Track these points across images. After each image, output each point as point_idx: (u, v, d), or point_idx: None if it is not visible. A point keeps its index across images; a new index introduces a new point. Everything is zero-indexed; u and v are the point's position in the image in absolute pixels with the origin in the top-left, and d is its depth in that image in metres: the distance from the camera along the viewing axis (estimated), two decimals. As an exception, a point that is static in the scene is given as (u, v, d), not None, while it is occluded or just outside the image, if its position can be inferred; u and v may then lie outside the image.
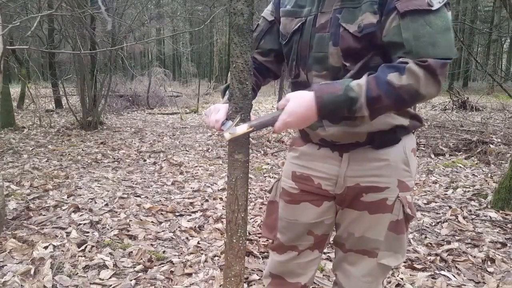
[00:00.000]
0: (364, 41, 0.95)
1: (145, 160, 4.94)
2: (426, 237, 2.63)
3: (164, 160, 4.92)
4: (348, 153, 1.07)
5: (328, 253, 2.35)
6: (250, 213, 3.06)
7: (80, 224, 2.72)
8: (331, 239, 1.26)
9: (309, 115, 0.91)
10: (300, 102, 0.91)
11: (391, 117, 1.04)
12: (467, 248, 2.46)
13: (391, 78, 0.87)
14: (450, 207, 3.15)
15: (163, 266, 2.20)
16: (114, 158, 4.97)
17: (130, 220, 2.83)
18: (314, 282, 2.05)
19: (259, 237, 2.56)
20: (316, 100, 0.89)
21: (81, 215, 2.88)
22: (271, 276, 1.26)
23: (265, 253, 2.34)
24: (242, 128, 0.93)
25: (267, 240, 2.38)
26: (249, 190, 3.79)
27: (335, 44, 0.99)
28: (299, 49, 1.07)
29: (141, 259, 2.27)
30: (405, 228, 1.10)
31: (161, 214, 3.02)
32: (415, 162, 1.12)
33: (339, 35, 0.98)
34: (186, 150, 5.62)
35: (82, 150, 5.39)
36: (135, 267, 2.19)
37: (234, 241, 0.98)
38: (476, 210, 3.10)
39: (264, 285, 1.29)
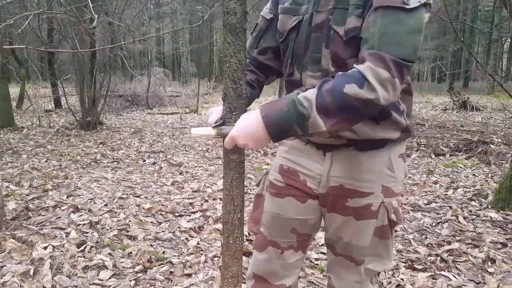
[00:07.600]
0: (350, 46, 0.93)
1: (144, 160, 4.93)
2: (426, 237, 2.63)
3: (163, 160, 4.91)
4: (331, 152, 1.07)
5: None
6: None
7: (79, 224, 2.71)
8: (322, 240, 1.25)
9: (260, 134, 0.88)
10: (249, 119, 0.89)
11: (381, 130, 1.01)
12: (468, 248, 2.45)
13: (348, 91, 0.83)
14: (450, 207, 3.15)
15: (162, 267, 2.20)
16: (113, 158, 4.96)
17: (129, 221, 2.82)
18: (313, 282, 2.05)
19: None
20: (263, 119, 0.87)
21: (81, 215, 2.88)
22: (254, 278, 1.23)
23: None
24: (208, 131, 0.93)
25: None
26: (249, 190, 3.78)
27: (327, 46, 0.99)
28: (295, 47, 1.06)
29: (141, 259, 2.26)
30: (390, 233, 1.10)
31: (161, 214, 3.01)
32: (403, 167, 1.11)
33: (330, 37, 0.97)
34: (186, 150, 5.62)
35: (82, 150, 5.38)
36: (134, 267, 2.19)
37: (231, 242, 0.97)
38: (477, 210, 3.09)
39: (247, 286, 1.26)
